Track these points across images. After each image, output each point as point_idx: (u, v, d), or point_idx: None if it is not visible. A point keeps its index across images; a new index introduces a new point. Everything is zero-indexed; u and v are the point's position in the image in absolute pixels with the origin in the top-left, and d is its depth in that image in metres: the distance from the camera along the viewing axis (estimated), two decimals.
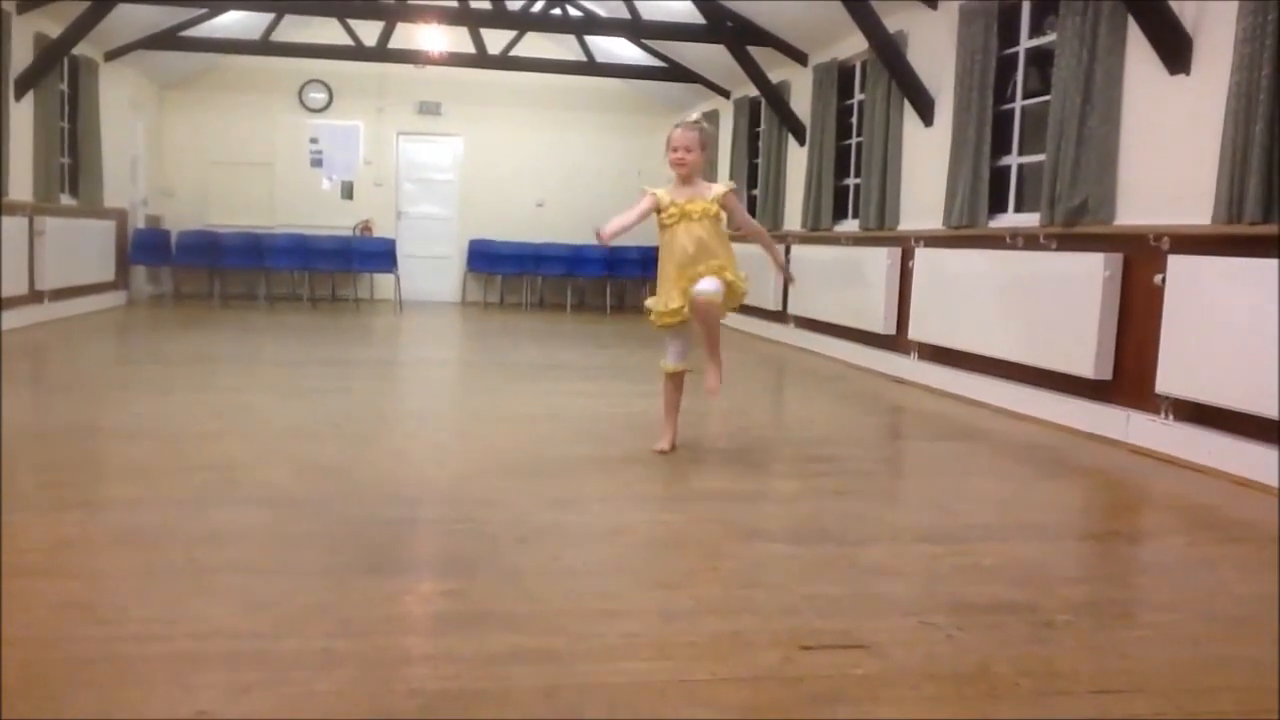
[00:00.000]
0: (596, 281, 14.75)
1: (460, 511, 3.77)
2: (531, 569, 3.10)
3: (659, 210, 4.74)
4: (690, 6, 10.25)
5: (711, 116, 12.57)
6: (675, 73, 12.77)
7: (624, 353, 9.58)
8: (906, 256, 8.03)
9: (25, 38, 9.20)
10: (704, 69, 12.32)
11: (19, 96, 9.11)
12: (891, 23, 8.07)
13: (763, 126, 11.41)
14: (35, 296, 9.43)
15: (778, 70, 10.67)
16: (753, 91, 11.34)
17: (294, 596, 2.79)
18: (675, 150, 4.67)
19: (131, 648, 2.42)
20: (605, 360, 9.03)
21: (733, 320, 12.03)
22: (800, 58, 10.20)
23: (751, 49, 10.50)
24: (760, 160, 11.41)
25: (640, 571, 3.18)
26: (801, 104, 10.35)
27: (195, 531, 3.38)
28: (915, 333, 7.75)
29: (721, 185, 4.79)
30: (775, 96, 10.69)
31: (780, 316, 10.62)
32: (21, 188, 9.21)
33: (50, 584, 2.83)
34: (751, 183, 11.88)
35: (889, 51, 8.05)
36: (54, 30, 9.55)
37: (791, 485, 4.62)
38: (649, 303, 4.90)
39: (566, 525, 3.64)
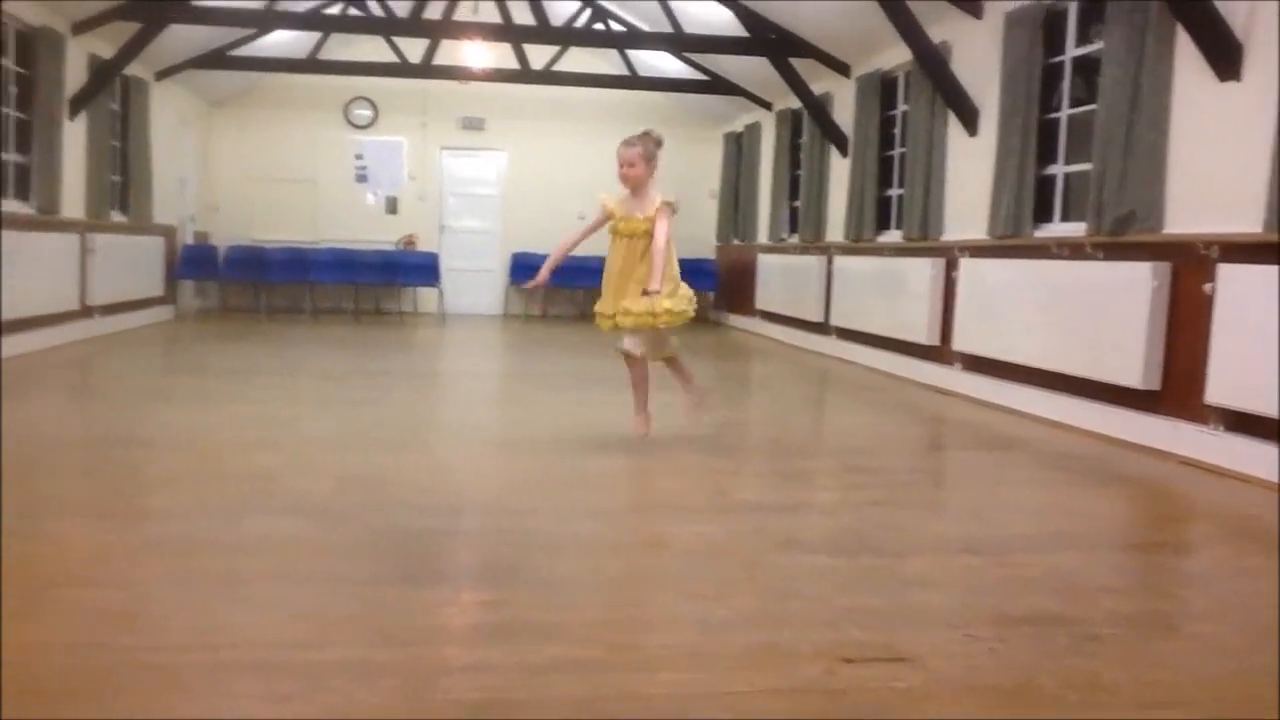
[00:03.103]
0: None
1: (498, 521, 3.77)
2: (570, 579, 3.09)
3: (604, 218, 5.08)
4: (732, 18, 10.26)
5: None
6: (717, 85, 12.77)
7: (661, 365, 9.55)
8: (950, 267, 7.96)
9: (79, 59, 9.37)
10: (745, 81, 12.31)
11: (73, 116, 9.28)
12: (935, 33, 8.02)
13: (804, 138, 11.37)
14: (86, 311, 9.58)
15: (820, 81, 10.64)
16: (794, 103, 11.32)
17: (333, 606, 2.81)
18: (620, 166, 4.94)
19: (173, 656, 2.44)
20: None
21: (773, 331, 12.08)
22: (842, 69, 10.16)
23: (794, 61, 10.48)
24: (802, 172, 11.37)
25: (678, 582, 3.16)
26: (844, 115, 10.31)
27: (236, 541, 3.41)
28: (959, 343, 7.67)
29: (662, 197, 4.92)
30: (817, 108, 10.66)
31: (821, 328, 10.57)
32: (74, 205, 9.38)
33: (93, 593, 2.87)
34: (793, 194, 11.85)
35: (933, 61, 8.00)
36: (107, 51, 9.73)
37: (831, 496, 4.59)
38: (597, 307, 5.13)
39: (604, 535, 3.63)
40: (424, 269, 14.25)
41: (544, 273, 5.25)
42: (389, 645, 2.55)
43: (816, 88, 10.70)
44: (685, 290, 5.04)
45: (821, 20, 9.51)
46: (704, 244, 14.85)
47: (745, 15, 10.12)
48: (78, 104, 9.37)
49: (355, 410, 6.38)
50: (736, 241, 13.83)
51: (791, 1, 9.38)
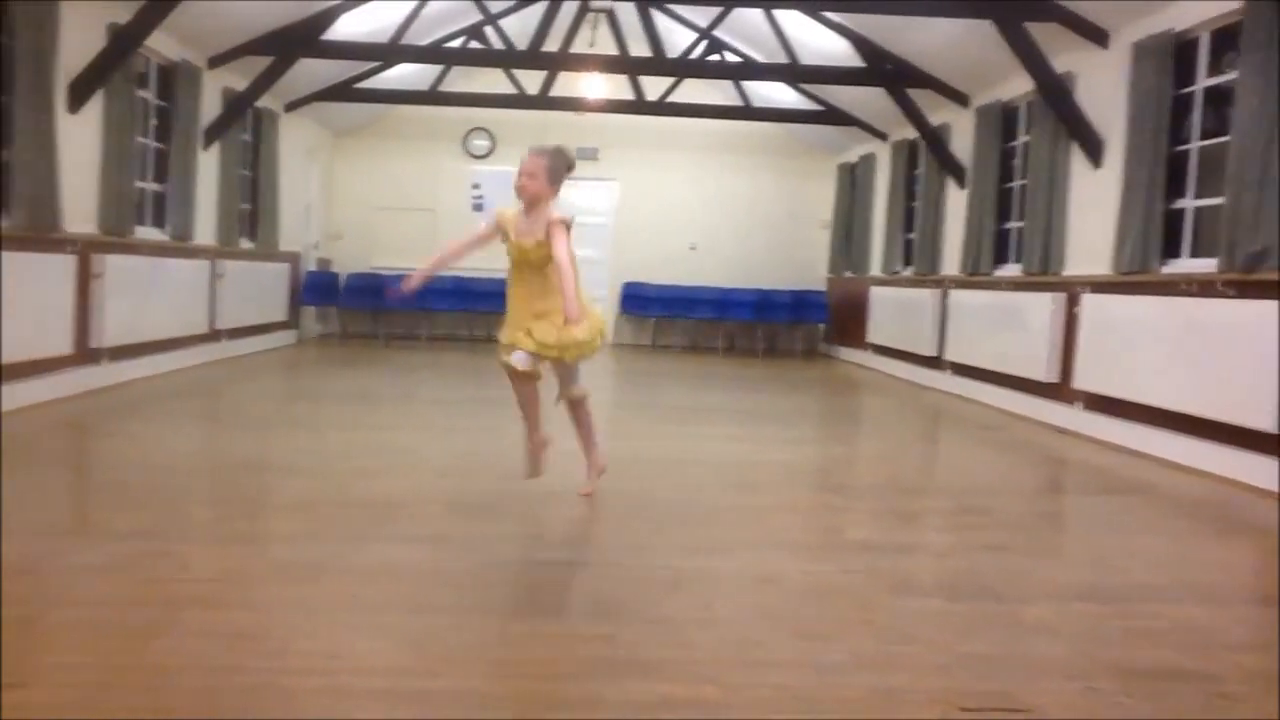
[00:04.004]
0: (747, 325, 14.72)
1: (610, 555, 3.79)
2: (682, 616, 3.09)
3: (495, 230, 4.50)
4: (849, 49, 10.21)
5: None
6: (831, 116, 12.71)
7: (773, 397, 9.52)
8: (1071, 302, 7.76)
9: (214, 92, 9.79)
10: (861, 111, 12.23)
11: (206, 146, 9.68)
12: (1059, 63, 7.87)
13: (921, 169, 11.24)
14: (214, 335, 9.95)
15: (937, 112, 10.52)
16: (911, 134, 11.20)
17: (450, 635, 2.85)
18: (519, 175, 4.37)
19: (296, 680, 2.51)
20: (754, 405, 8.98)
21: (884, 365, 11.92)
22: (961, 99, 10.03)
23: (911, 91, 10.39)
24: (918, 203, 11.23)
25: (791, 622, 3.13)
26: (962, 146, 10.17)
27: (357, 567, 3.49)
28: (1080, 381, 7.46)
29: (558, 215, 4.32)
30: (935, 139, 10.53)
31: (935, 363, 10.39)
32: (206, 232, 9.77)
33: (220, 614, 2.96)
34: (908, 226, 11.71)
35: (1056, 92, 7.85)
36: (240, 84, 10.14)
37: (945, 538, 4.49)
38: (501, 336, 4.56)
39: (716, 572, 3.62)
40: None
41: (415, 281, 4.58)
42: (503, 677, 2.58)
43: (934, 118, 10.57)
44: (596, 317, 4.53)
45: (940, 50, 9.41)
46: (815, 276, 14.77)
47: (862, 46, 10.07)
48: (212, 135, 9.77)
49: (471, 438, 6.48)
50: (848, 274, 13.71)
51: (909, 32, 9.30)
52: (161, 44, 8.47)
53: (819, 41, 10.60)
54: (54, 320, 6.95)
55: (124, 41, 7.43)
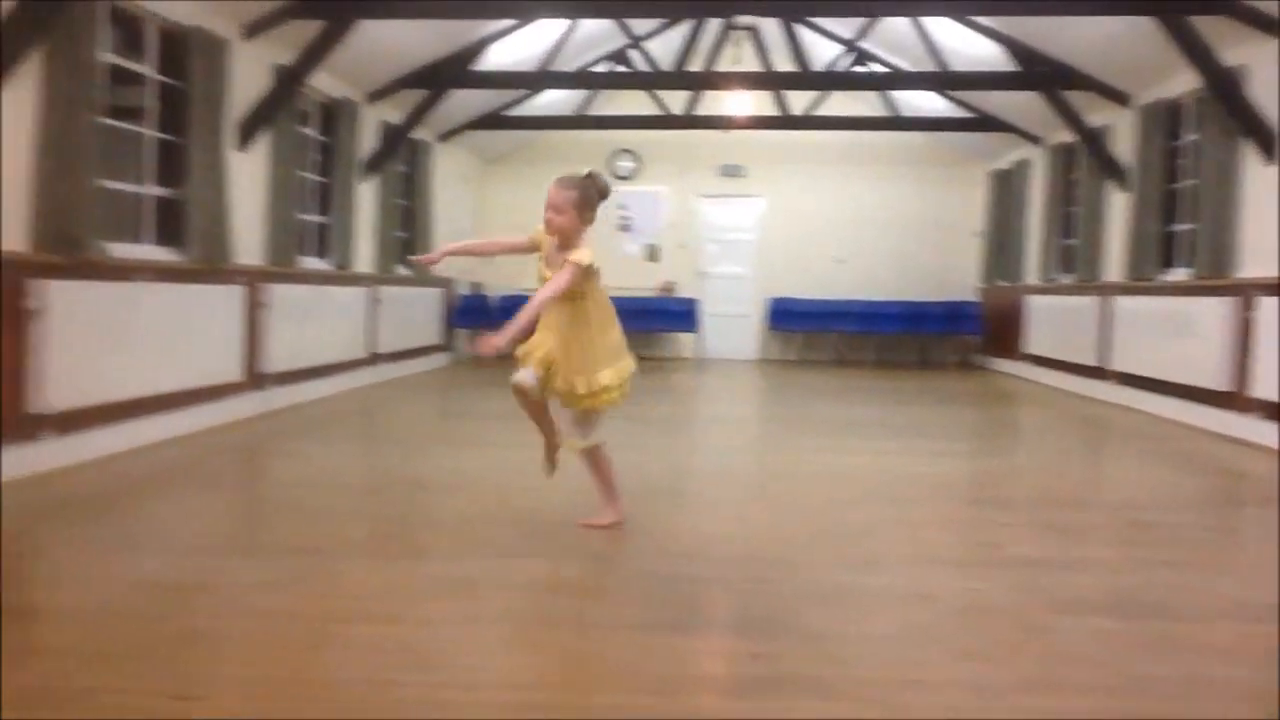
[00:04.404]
0: (896, 338, 14.46)
1: (762, 570, 3.76)
2: (837, 633, 3.04)
3: (531, 243, 4.24)
4: (1001, 52, 9.95)
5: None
6: (983, 122, 12.39)
7: (925, 410, 9.31)
8: (1246, 306, 7.36)
9: (372, 126, 10.18)
10: (1013, 116, 11.90)
11: (365, 178, 10.07)
12: (1229, 57, 7.50)
13: (1078, 173, 10.86)
14: (372, 359, 10.30)
15: (1096, 113, 10.15)
16: (1067, 137, 10.84)
17: (604, 651, 2.87)
18: (547, 209, 4.07)
19: (457, 695, 2.56)
20: (905, 418, 8.80)
21: (1042, 375, 11.54)
22: (1121, 99, 9.65)
23: (1067, 93, 10.05)
24: (1077, 208, 10.85)
25: (951, 641, 3.05)
26: (1122, 147, 9.78)
27: (511, 582, 3.55)
28: (1258, 389, 7.07)
29: (581, 254, 4.00)
30: (1093, 141, 10.16)
31: (1097, 372, 10.00)
32: (365, 261, 10.15)
33: (382, 629, 3.05)
34: (1065, 232, 11.32)
35: (1226, 87, 7.48)
36: (396, 118, 10.52)
37: (1112, 553, 4.30)
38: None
39: (871, 588, 3.55)
40: (683, 315, 14.50)
41: (438, 254, 4.51)
42: (662, 694, 2.58)
43: (1092, 120, 10.20)
44: (627, 362, 4.27)
45: (1097, 49, 9.08)
46: (967, 286, 14.40)
47: (1014, 48, 9.80)
48: (370, 167, 10.16)
49: (617, 455, 6.47)
50: (1002, 283, 13.33)
51: (1064, 32, 9.00)
52: (323, 82, 8.84)
53: (968, 46, 10.36)
54: (226, 348, 7.31)
55: (289, 81, 7.80)
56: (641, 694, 2.58)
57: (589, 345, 4.10)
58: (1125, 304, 9.41)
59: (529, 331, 4.04)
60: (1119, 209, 9.83)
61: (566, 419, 4.29)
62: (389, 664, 2.75)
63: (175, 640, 2.92)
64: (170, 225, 6.83)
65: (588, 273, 4.01)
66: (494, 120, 12.56)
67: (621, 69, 12.12)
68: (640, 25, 11.51)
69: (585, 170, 4.25)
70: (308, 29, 7.56)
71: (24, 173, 5.28)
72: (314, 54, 7.72)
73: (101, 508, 4.74)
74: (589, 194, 4.09)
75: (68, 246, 5.46)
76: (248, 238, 7.62)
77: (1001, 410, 9.82)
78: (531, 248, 4.24)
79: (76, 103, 5.44)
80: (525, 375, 4.07)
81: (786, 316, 14.68)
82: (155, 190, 6.73)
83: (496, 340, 3.80)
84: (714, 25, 11.80)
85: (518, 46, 10.60)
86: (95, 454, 5.66)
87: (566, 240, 4.08)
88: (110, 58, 6.12)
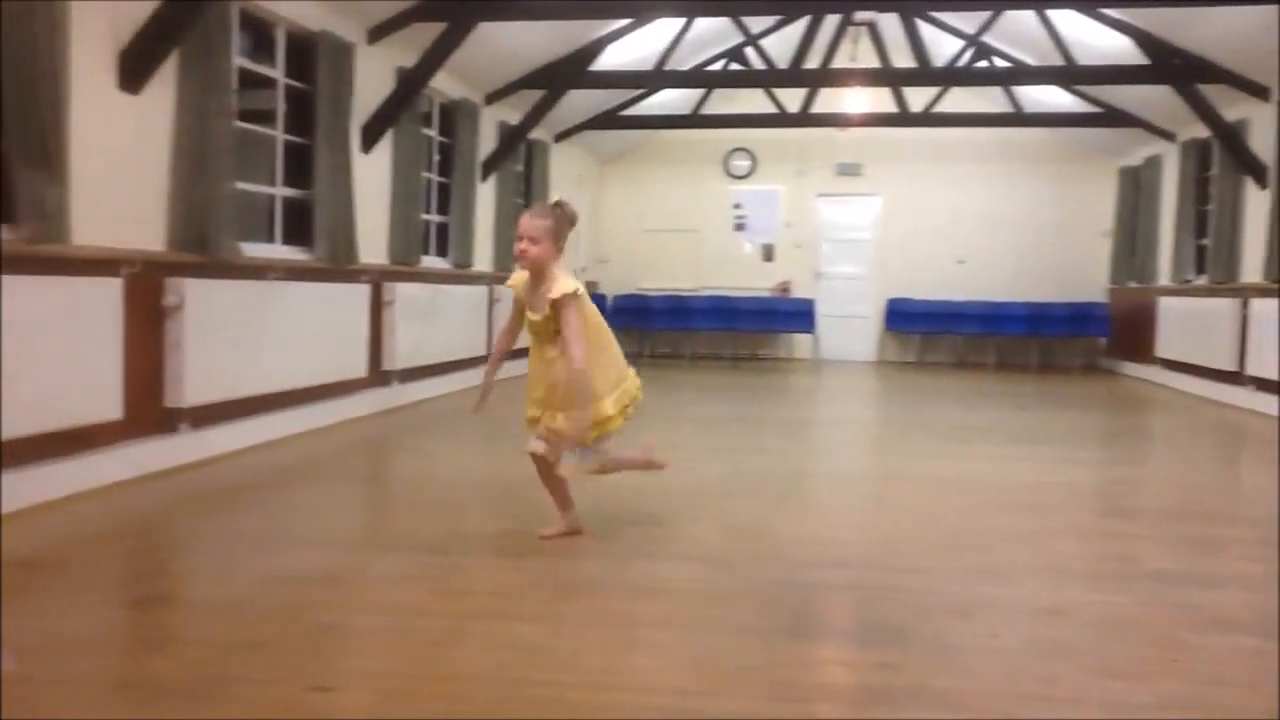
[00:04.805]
0: (1019, 340, 14.08)
1: (886, 578, 3.68)
2: (967, 645, 2.96)
3: (519, 306, 4.06)
4: (1131, 45, 9.60)
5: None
6: (1111, 117, 11.98)
7: (1051, 415, 9.04)
8: None
9: (491, 126, 10.33)
10: (1144, 111, 11.48)
11: (484, 178, 10.22)
12: None
13: (1214, 170, 10.43)
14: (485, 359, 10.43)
15: (1233, 107, 9.73)
16: (1202, 132, 10.42)
17: (727, 655, 2.84)
18: (519, 239, 3.91)
19: (583, 695, 2.56)
20: (1029, 423, 8.55)
21: (1175, 380, 11.11)
22: (1260, 92, 9.22)
23: (1202, 86, 9.65)
24: (1212, 207, 10.42)
25: (1087, 657, 2.93)
26: (1262, 143, 9.36)
27: (633, 584, 3.55)
28: None
29: (562, 285, 3.84)
30: (1230, 136, 9.74)
31: (1235, 378, 9.59)
32: (484, 259, 10.29)
33: (507, 626, 3.08)
34: (1200, 231, 10.89)
35: None
36: (514, 118, 10.65)
37: (1255, 568, 4.09)
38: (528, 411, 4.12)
39: (1001, 600, 3.45)
40: (799, 315, 14.38)
41: (488, 385, 4.31)
42: (782, 700, 2.54)
43: (1229, 114, 9.78)
44: (630, 382, 4.12)
45: (1235, 40, 8.69)
46: (1094, 287, 13.95)
47: (1145, 41, 9.45)
48: (488, 167, 10.30)
49: (736, 457, 6.49)
50: (1132, 284, 12.88)
51: (1199, 23, 8.65)
52: (443, 84, 8.99)
53: (1096, 39, 10.02)
54: (352, 345, 7.49)
55: (411, 83, 7.95)
56: (763, 700, 2.55)
57: (590, 374, 3.90)
58: (1264, 307, 9.00)
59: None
60: (1257, 207, 9.41)
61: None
62: (518, 662, 2.77)
63: (309, 633, 2.99)
64: (298, 225, 7.02)
65: (579, 299, 3.86)
66: (609, 120, 12.63)
67: (737, 67, 12.05)
68: (756, 23, 11.43)
69: (554, 199, 4.15)
70: (429, 31, 7.68)
71: (162, 175, 5.48)
72: (435, 56, 7.84)
73: (236, 501, 4.89)
74: (560, 223, 3.95)
75: (203, 246, 5.65)
76: (372, 237, 7.79)
77: (1131, 416, 9.48)
78: (519, 309, 4.06)
79: (210, 107, 5.62)
80: (539, 443, 4.00)
81: (904, 318, 14.44)
82: (284, 191, 6.92)
83: (572, 437, 3.81)
84: (831, 22, 11.64)
85: (634, 46, 10.63)
86: (228, 448, 5.84)
87: (541, 272, 3.91)
88: (242, 62, 6.32)
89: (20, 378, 4.31)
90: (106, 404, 4.91)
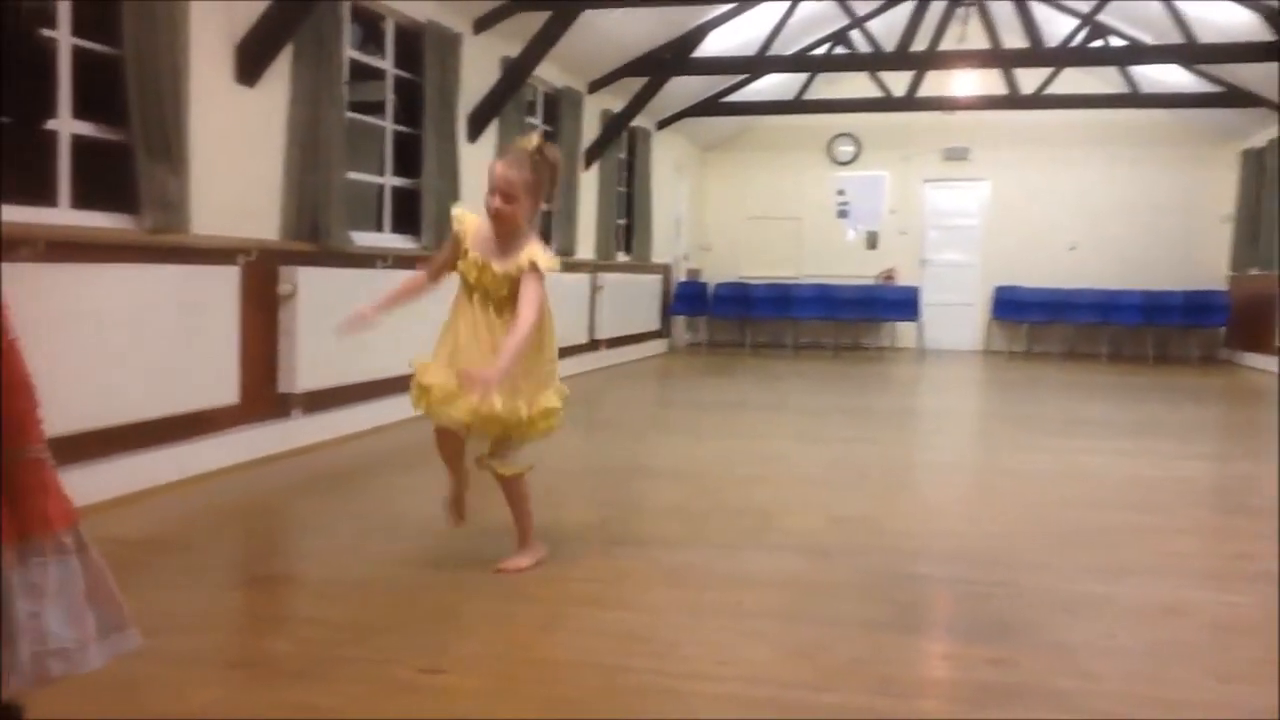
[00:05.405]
0: (1134, 330, 13.64)
1: (997, 573, 3.60)
2: (1082, 644, 2.88)
3: (457, 246, 3.40)
4: (1255, 20, 9.21)
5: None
6: (1234, 97, 11.51)
7: (1167, 408, 8.75)
8: None
9: (593, 114, 10.37)
10: (1270, 91, 11.00)
11: (587, 166, 10.28)
12: None
13: None
14: (593, 345, 10.50)
15: None
16: None
17: (833, 648, 2.82)
18: (492, 191, 3.30)
19: (685, 684, 2.57)
20: (1142, 416, 8.29)
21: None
22: None
23: None
24: None
25: (1205, 659, 2.84)
26: None
27: (737, 573, 3.54)
28: None
29: (545, 257, 3.34)
30: None
31: None
32: (586, 247, 10.36)
33: (608, 614, 3.10)
34: None
35: None
36: (616, 106, 10.68)
37: None
38: (422, 378, 3.47)
39: (1116, 598, 3.35)
40: (903, 304, 14.15)
41: (367, 314, 3.70)
42: (891, 695, 2.51)
43: None
44: (560, 383, 3.63)
45: None
46: (1214, 275, 13.44)
47: (1272, 17, 9.05)
48: (591, 155, 10.35)
49: (840, 448, 6.42)
50: (1254, 271, 12.38)
51: None
52: (547, 73, 9.05)
53: (1218, 15, 9.63)
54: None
55: (516, 72, 8.02)
56: (870, 694, 2.52)
57: (530, 361, 3.39)
58: None
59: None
60: None
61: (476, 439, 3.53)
62: (619, 649, 2.79)
63: (420, 616, 3.05)
64: (406, 214, 7.14)
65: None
66: (712, 106, 12.57)
67: (842, 50, 11.88)
68: (862, 5, 11.25)
69: (533, 140, 3.40)
70: (533, 20, 7.74)
71: (276, 166, 5.62)
72: (539, 45, 7.90)
73: (347, 484, 5.01)
74: (541, 174, 3.33)
75: (315, 235, 5.78)
76: None
77: (1253, 410, 9.13)
78: (455, 249, 3.43)
79: (323, 98, 5.76)
80: (453, 415, 3.35)
81: (1013, 306, 14.10)
82: (393, 181, 7.05)
83: (490, 378, 3.14)
84: (939, 3, 11.40)
85: (737, 31, 10.55)
86: (338, 433, 5.99)
87: (511, 231, 3.33)
88: (353, 54, 6.44)
89: (143, 364, 4.47)
90: (224, 389, 5.07)
